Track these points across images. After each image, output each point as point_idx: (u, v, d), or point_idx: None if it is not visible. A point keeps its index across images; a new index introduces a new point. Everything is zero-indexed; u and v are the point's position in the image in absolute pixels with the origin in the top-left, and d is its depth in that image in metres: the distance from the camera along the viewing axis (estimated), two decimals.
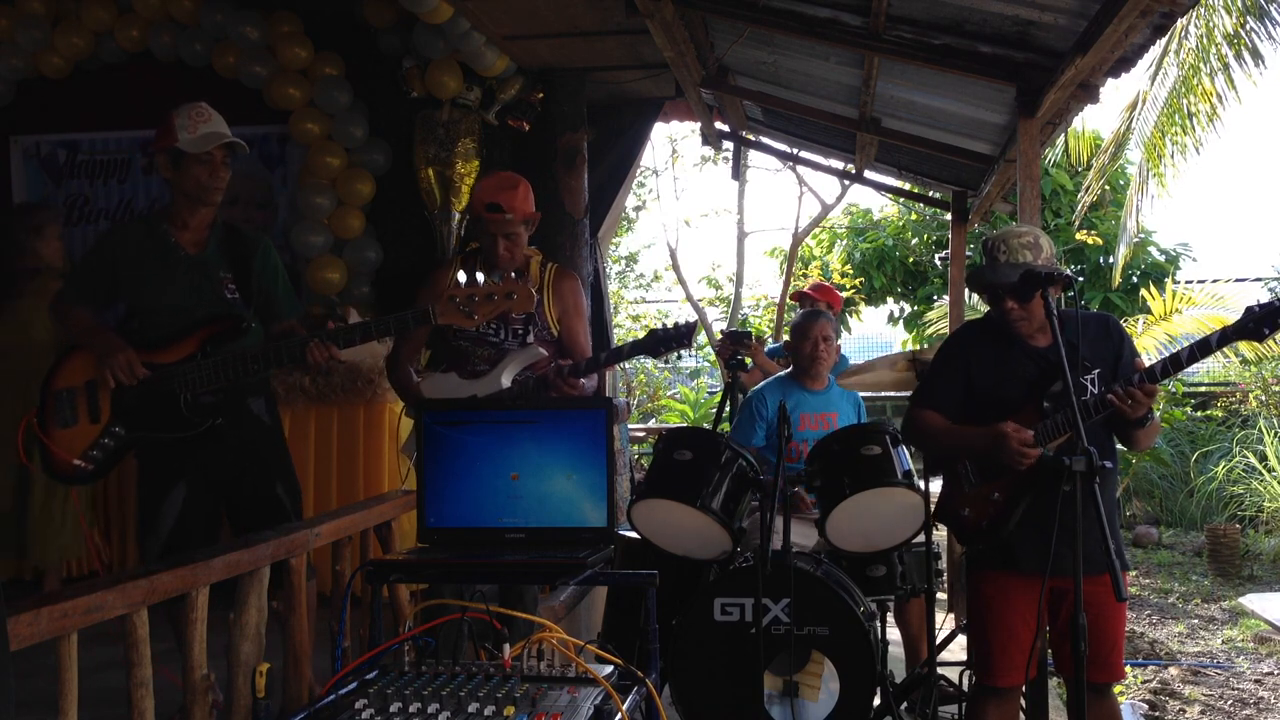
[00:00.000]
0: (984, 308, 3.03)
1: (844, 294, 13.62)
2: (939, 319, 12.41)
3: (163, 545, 3.22)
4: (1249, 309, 2.66)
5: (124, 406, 3.16)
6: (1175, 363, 2.73)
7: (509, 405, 2.90)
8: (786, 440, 3.40)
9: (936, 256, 13.42)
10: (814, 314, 4.42)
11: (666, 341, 3.19)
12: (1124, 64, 3.57)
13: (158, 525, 3.24)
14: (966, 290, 6.28)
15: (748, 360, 5.52)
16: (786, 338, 4.78)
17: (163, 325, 3.23)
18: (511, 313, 3.13)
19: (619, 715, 1.95)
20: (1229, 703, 5.39)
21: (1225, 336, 2.68)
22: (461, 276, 2.97)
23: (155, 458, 3.26)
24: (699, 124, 6.97)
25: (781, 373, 4.56)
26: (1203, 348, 2.72)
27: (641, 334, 3.74)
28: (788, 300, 11.97)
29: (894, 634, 4.19)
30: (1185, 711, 5.26)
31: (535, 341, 3.37)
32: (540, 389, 3.25)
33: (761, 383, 4.56)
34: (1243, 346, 9.42)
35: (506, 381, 3.26)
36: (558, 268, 3.53)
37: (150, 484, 3.29)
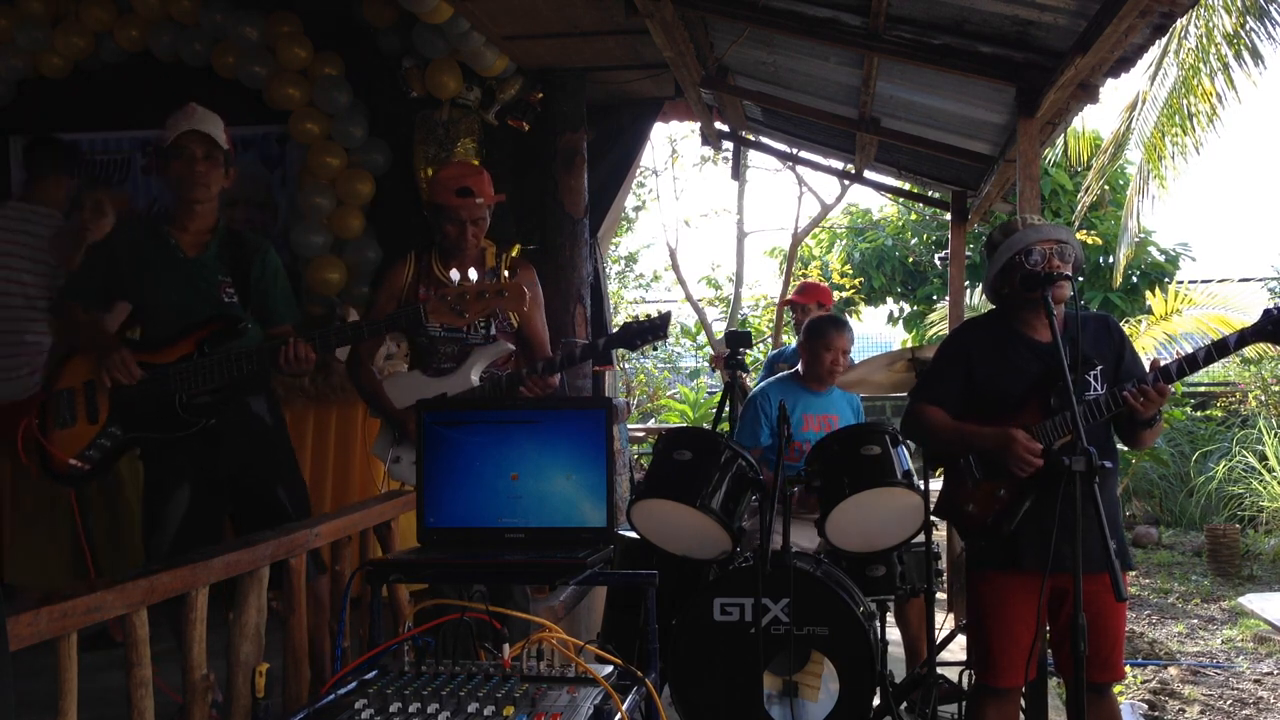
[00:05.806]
0: (984, 307, 3.02)
1: (844, 294, 13.66)
2: (940, 320, 12.43)
3: (169, 545, 3.22)
4: (1267, 311, 2.65)
5: (121, 407, 3.16)
6: (1191, 363, 2.73)
7: (509, 405, 2.90)
8: (788, 440, 3.40)
9: (936, 257, 13.44)
10: (839, 324, 4.34)
11: (641, 334, 3.20)
12: (1124, 64, 3.57)
13: (164, 525, 3.24)
14: (966, 290, 6.28)
15: (749, 358, 5.52)
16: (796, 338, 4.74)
17: (162, 326, 3.24)
18: (503, 311, 3.13)
19: (619, 715, 1.94)
20: (1229, 703, 5.39)
21: (1244, 339, 2.67)
22: (454, 275, 3.00)
23: (160, 459, 3.27)
24: (699, 124, 6.97)
25: (785, 372, 4.54)
26: (1220, 349, 2.70)
27: None
28: (780, 308, 11.96)
29: (894, 634, 4.19)
30: (1185, 711, 5.26)
31: (496, 333, 3.37)
32: (513, 386, 3.25)
33: (764, 382, 4.55)
34: None
35: (475, 379, 3.26)
36: (513, 257, 3.51)
37: (156, 485, 3.29)
